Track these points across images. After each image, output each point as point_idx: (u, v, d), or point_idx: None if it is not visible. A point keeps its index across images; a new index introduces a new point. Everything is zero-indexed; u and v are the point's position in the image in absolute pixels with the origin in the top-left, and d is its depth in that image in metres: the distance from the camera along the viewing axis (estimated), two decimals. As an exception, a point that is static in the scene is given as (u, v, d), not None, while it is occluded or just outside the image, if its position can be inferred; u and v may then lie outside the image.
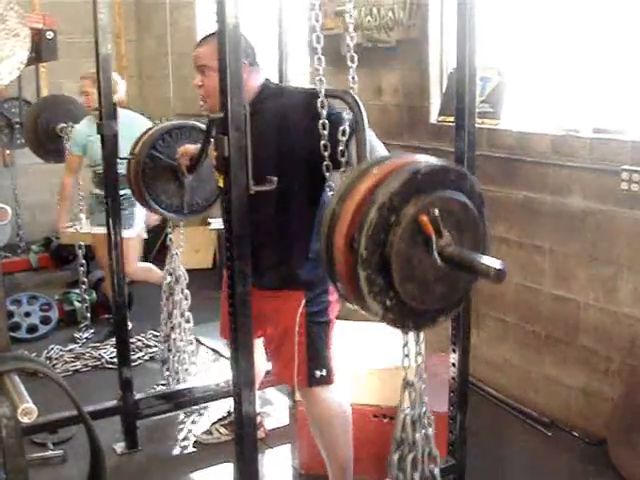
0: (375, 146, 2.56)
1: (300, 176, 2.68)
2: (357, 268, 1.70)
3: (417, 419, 2.24)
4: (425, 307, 1.80)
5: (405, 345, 2.20)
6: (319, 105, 2.43)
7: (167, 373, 4.00)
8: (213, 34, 2.54)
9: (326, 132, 2.43)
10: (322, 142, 2.43)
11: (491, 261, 1.69)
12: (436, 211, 1.70)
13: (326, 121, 2.43)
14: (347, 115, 2.46)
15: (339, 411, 2.89)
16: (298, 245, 2.80)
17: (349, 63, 2.43)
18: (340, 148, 2.43)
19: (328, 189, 2.54)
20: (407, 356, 2.20)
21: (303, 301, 2.80)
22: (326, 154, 2.44)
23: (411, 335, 2.15)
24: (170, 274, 3.94)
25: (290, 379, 2.87)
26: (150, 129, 3.59)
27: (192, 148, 3.42)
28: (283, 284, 2.83)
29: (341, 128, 2.42)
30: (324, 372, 2.82)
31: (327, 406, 2.86)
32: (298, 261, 2.79)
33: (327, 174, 2.46)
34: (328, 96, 2.50)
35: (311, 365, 2.80)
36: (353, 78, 2.48)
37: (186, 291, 3.93)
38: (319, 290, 2.80)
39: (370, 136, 2.46)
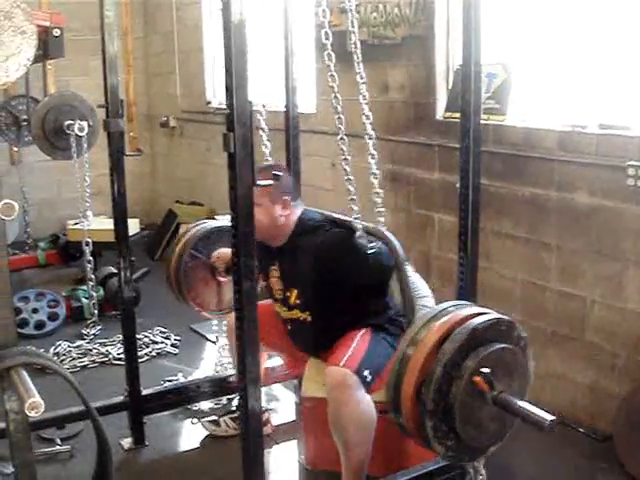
0: (415, 283, 2.75)
1: (346, 298, 2.95)
2: (424, 418, 1.95)
3: None
4: (479, 443, 2.06)
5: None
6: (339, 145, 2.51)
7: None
8: (263, 169, 2.75)
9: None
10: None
11: (543, 413, 1.92)
12: (486, 370, 1.94)
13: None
14: (385, 250, 2.63)
15: (368, 412, 2.80)
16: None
17: (355, 63, 2.45)
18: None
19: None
20: None
21: (370, 328, 2.96)
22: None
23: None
24: None
25: (339, 358, 2.80)
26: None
27: (226, 252, 3.50)
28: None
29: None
30: (370, 377, 2.76)
31: (359, 405, 2.75)
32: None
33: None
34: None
35: (363, 362, 2.78)
36: (361, 77, 2.50)
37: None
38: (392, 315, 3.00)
39: (409, 272, 2.63)
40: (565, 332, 3.74)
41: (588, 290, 3.59)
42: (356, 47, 2.49)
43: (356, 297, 2.95)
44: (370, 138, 2.53)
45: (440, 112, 4.37)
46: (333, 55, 2.42)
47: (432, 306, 2.54)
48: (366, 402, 2.78)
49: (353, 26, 2.47)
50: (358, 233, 2.60)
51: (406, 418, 2.02)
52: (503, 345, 2.01)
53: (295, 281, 3.09)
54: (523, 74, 3.99)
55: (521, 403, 1.97)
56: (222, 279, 3.64)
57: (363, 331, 2.92)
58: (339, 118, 2.51)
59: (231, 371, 3.95)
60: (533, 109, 3.94)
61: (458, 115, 2.70)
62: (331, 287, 2.91)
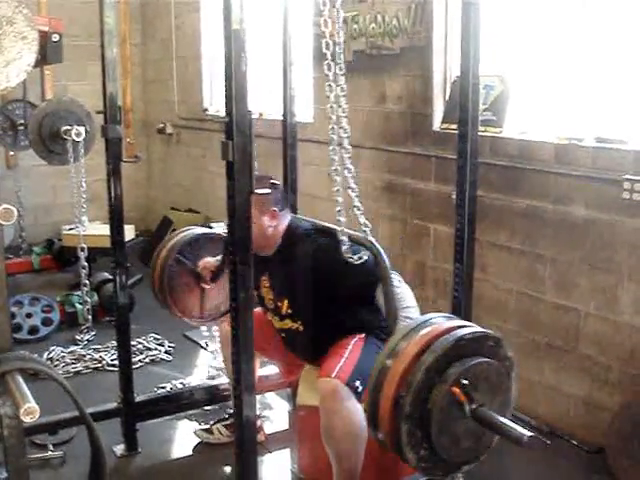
0: (400, 294, 2.76)
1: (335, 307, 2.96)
2: (400, 421, 1.90)
3: None
4: (453, 458, 1.99)
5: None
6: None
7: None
8: (257, 178, 2.75)
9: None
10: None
11: (521, 429, 1.87)
12: (465, 381, 1.89)
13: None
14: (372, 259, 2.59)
15: (360, 424, 2.81)
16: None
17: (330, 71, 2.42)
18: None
19: None
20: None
21: (363, 335, 2.94)
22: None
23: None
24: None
25: (331, 369, 2.80)
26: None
27: (212, 262, 3.55)
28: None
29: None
30: (361, 388, 2.74)
31: (351, 416, 2.75)
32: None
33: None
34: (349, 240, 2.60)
35: (354, 373, 2.77)
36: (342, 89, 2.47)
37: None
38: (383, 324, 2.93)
39: (395, 282, 2.63)
40: (559, 344, 3.74)
41: (582, 302, 3.60)
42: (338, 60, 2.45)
43: (345, 306, 2.96)
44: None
45: (437, 123, 4.38)
46: (333, 65, 2.40)
47: (416, 317, 2.50)
48: (358, 413, 2.77)
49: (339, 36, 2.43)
50: (344, 245, 2.52)
51: (383, 425, 1.97)
52: (488, 360, 1.97)
53: (285, 291, 3.10)
54: (520, 86, 4.00)
55: (499, 417, 1.93)
56: (206, 286, 3.63)
57: (356, 338, 2.92)
58: (332, 128, 2.46)
59: (223, 378, 3.98)
60: (530, 121, 3.96)
61: (455, 126, 2.71)
62: (320, 297, 2.92)
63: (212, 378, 4.21)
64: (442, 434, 1.90)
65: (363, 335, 2.95)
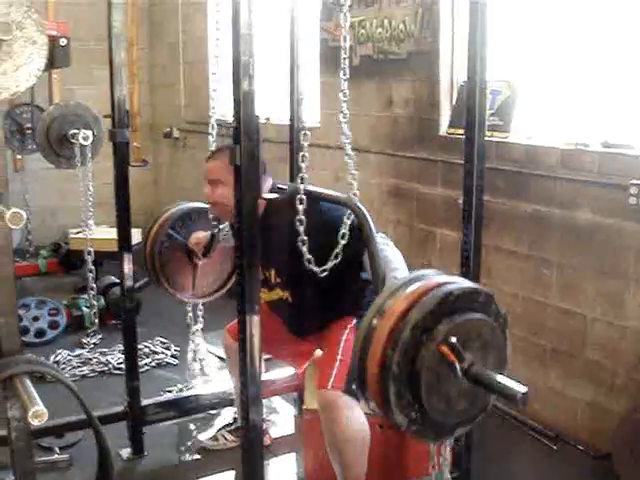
0: (388, 257, 2.66)
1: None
2: (388, 383, 1.79)
3: None
4: (446, 420, 1.88)
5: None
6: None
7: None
8: (222, 149, 2.66)
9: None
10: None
11: (516, 385, 1.77)
12: (454, 339, 1.78)
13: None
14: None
15: (361, 431, 2.81)
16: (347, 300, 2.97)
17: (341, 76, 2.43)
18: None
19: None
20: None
21: (354, 321, 2.89)
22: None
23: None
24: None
25: (326, 380, 2.81)
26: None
27: (203, 237, 3.49)
28: (332, 321, 2.97)
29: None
30: None
31: (351, 425, 2.77)
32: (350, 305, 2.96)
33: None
34: (331, 202, 2.59)
35: (350, 376, 2.75)
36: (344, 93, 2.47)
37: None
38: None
39: (380, 245, 2.55)
40: (565, 349, 3.74)
41: (589, 308, 3.60)
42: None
43: (333, 275, 2.80)
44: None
45: (444, 128, 4.38)
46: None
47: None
48: (358, 420, 2.78)
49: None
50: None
51: (371, 390, 1.87)
52: (479, 315, 1.86)
53: (272, 260, 3.02)
54: (527, 91, 4.00)
55: (490, 374, 1.83)
56: (199, 261, 3.56)
57: (347, 329, 2.89)
58: (344, 134, 2.46)
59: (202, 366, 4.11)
60: (536, 126, 3.96)
61: (461, 131, 2.71)
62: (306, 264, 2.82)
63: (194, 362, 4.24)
64: (432, 395, 1.81)
65: (354, 322, 2.90)
